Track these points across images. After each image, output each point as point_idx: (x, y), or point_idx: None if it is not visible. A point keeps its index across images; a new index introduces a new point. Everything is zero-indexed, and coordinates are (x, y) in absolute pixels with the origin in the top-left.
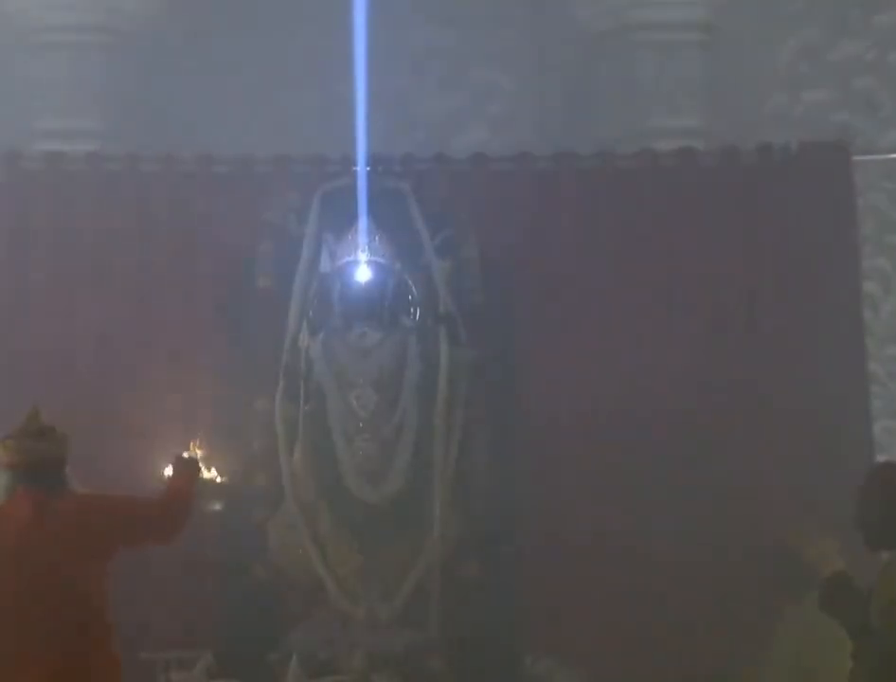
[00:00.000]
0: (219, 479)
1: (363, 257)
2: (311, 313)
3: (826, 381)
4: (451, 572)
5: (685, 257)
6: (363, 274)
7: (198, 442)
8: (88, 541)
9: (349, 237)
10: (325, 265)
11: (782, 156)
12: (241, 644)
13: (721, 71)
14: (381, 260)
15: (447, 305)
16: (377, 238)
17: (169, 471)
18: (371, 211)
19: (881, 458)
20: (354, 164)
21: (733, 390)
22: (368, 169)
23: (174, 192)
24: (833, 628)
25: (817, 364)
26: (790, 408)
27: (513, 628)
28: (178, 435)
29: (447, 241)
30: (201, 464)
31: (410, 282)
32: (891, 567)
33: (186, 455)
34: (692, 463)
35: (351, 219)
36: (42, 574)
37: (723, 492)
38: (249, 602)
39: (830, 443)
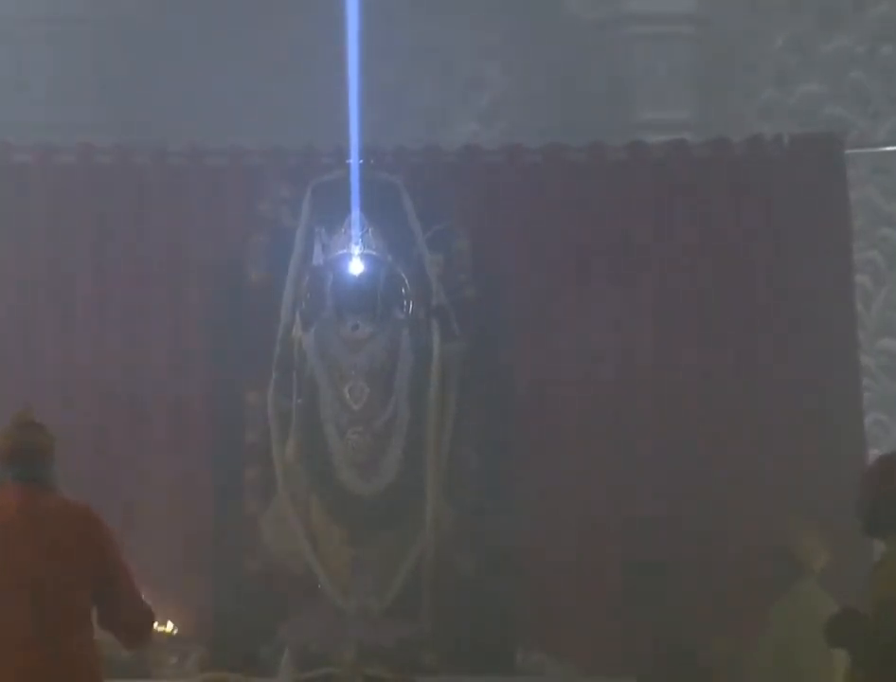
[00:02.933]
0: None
1: (355, 250)
2: (303, 305)
3: (818, 374)
4: (443, 565)
5: (676, 249)
6: (355, 267)
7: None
8: (67, 547)
9: (342, 230)
10: (317, 258)
11: (774, 149)
12: (234, 637)
13: (712, 63)
14: (373, 252)
15: (439, 298)
16: (369, 231)
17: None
18: (364, 204)
19: (873, 451)
20: (347, 157)
21: (725, 383)
22: (361, 161)
23: (166, 185)
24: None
25: (809, 356)
26: (782, 401)
27: (506, 621)
28: (173, 428)
29: (439, 233)
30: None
31: (403, 275)
32: (887, 562)
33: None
34: (686, 456)
35: (344, 212)
36: (21, 568)
37: (715, 484)
38: (241, 595)
39: (822, 436)
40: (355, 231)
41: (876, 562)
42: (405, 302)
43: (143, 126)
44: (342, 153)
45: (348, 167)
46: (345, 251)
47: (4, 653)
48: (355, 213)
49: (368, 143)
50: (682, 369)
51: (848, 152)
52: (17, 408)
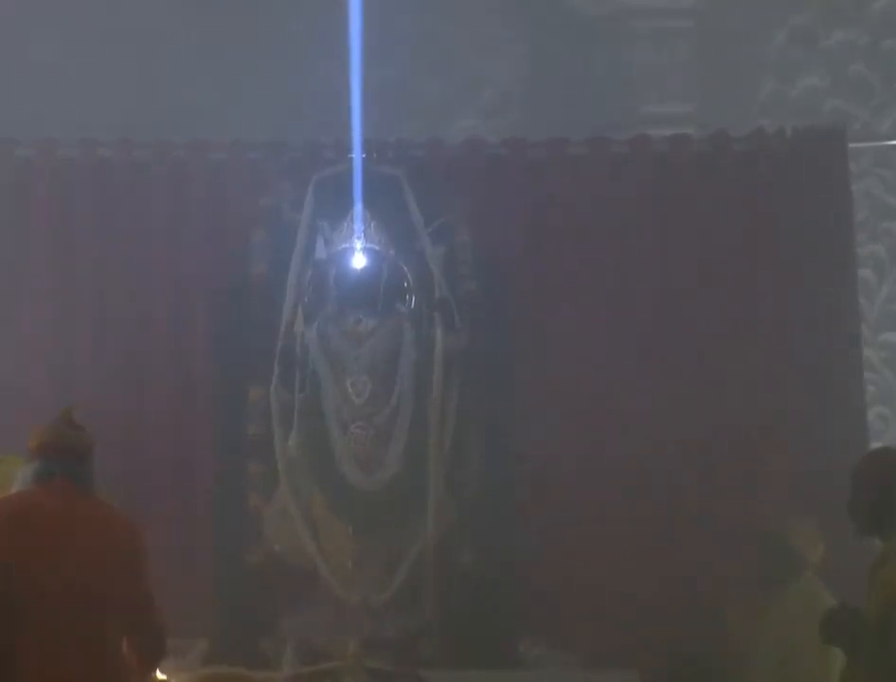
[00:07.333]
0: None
1: (358, 244)
2: (306, 300)
3: (821, 367)
4: (445, 558)
5: (678, 243)
6: (358, 261)
7: None
8: (107, 555)
9: (344, 224)
10: (320, 252)
11: (777, 142)
12: (236, 631)
13: (714, 57)
14: (375, 246)
15: (442, 291)
16: (372, 225)
17: None
18: (366, 198)
19: (875, 445)
20: (349, 151)
21: (727, 377)
22: (363, 155)
23: (168, 179)
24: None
25: (812, 350)
26: (784, 395)
27: (507, 614)
28: (175, 422)
29: (441, 227)
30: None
31: (405, 269)
32: (889, 561)
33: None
34: (688, 450)
35: (346, 206)
36: (60, 569)
37: (717, 478)
38: (243, 589)
39: (824, 430)
40: (357, 225)
41: (874, 560)
42: (408, 296)
43: (145, 120)
44: (344, 147)
45: (350, 161)
46: (347, 245)
47: (43, 656)
48: (357, 207)
49: (370, 137)
50: (684, 362)
51: (850, 145)
52: (63, 406)
